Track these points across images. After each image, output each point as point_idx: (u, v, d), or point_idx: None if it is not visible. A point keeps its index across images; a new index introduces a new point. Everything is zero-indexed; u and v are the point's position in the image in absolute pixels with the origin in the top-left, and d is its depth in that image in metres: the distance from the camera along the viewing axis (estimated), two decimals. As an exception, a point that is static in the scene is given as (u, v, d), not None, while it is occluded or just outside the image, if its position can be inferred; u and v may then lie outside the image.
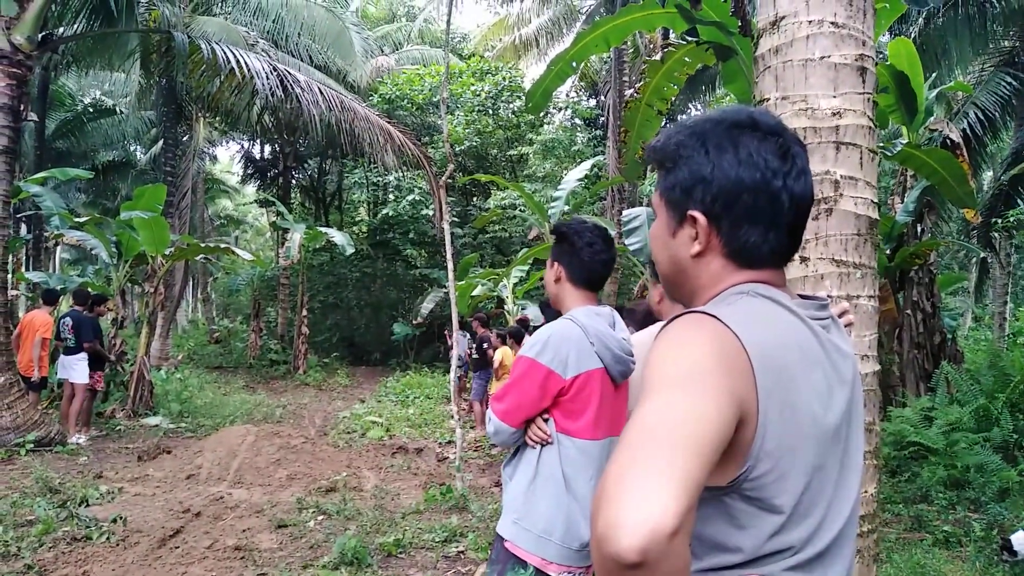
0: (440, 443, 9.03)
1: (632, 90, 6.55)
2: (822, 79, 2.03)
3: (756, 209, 1.04)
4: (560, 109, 21.38)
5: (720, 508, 0.97)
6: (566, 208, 11.61)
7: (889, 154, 6.38)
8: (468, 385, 11.51)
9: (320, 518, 5.49)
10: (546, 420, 2.28)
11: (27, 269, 16.98)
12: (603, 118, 19.06)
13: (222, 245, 12.85)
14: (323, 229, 16.79)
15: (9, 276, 8.70)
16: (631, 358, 2.32)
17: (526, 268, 12.44)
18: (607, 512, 0.80)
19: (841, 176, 1.98)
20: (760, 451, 0.94)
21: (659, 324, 2.60)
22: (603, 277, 2.41)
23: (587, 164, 12.50)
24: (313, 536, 5.06)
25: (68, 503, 5.58)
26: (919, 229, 7.96)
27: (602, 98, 19.87)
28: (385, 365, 19.65)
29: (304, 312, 16.97)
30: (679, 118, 18.68)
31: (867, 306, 2.04)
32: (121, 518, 5.22)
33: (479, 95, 18.93)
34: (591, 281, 2.38)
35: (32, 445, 7.54)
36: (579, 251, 2.34)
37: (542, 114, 19.32)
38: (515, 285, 12.17)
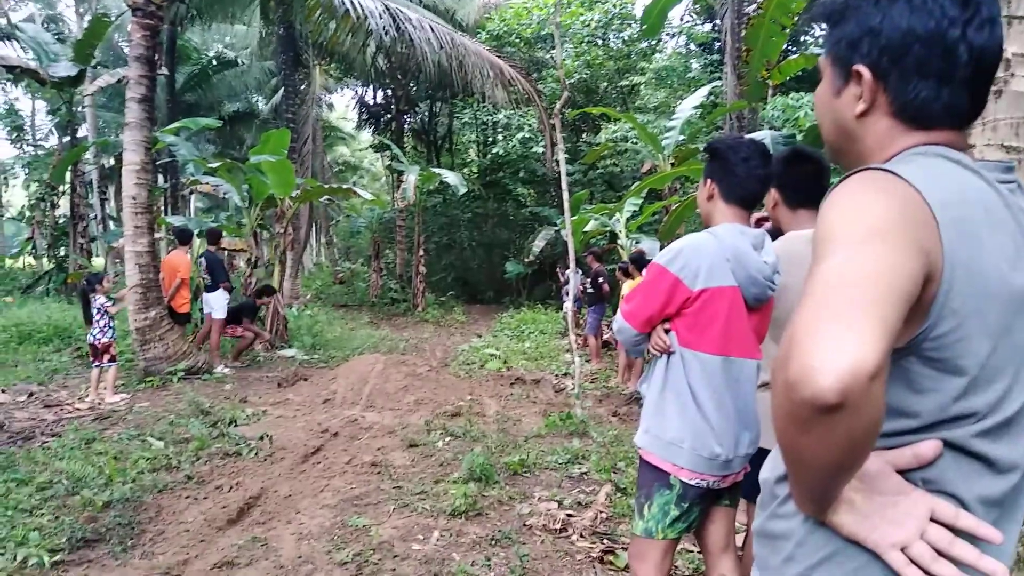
0: (556, 375, 9.16)
1: (755, 5, 6.19)
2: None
3: (928, 62, 0.98)
4: (673, 36, 20.47)
5: (898, 372, 0.94)
6: (681, 138, 11.22)
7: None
8: (582, 321, 11.57)
9: (447, 439, 5.75)
10: (668, 331, 2.28)
11: (166, 215, 18.30)
12: (720, 42, 18.10)
13: (344, 187, 13.28)
14: (436, 170, 17.05)
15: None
16: (769, 283, 2.26)
17: (639, 202, 12.18)
18: (800, 357, 0.80)
19: (1012, 54, 1.78)
20: (944, 308, 0.90)
21: (798, 232, 2.51)
22: (758, 194, 2.35)
23: (703, 91, 11.93)
24: (442, 455, 5.32)
25: (219, 423, 6.11)
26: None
27: (718, 22, 18.83)
28: (498, 303, 20.01)
29: (420, 252, 17.44)
30: (803, 39, 17.52)
31: (1039, 195, 1.87)
32: (267, 436, 5.65)
33: (588, 25, 18.40)
34: (745, 198, 2.32)
35: (183, 373, 8.25)
36: (734, 167, 2.28)
37: (654, 41, 18.56)
38: (628, 219, 11.97)
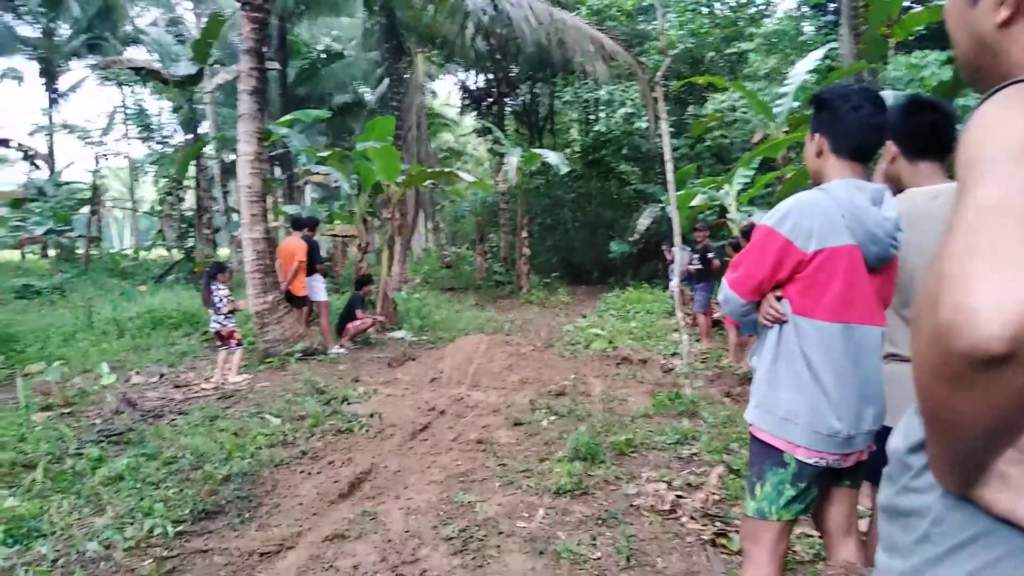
0: (664, 355, 8.91)
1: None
2: None
3: None
4: (783, -2, 19.43)
5: None
6: (795, 105, 10.62)
7: None
8: (689, 300, 11.20)
9: (552, 418, 5.70)
10: (779, 299, 2.10)
11: (284, 204, 19.18)
12: (835, 1, 17.01)
13: (446, 171, 13.45)
14: (538, 151, 16.95)
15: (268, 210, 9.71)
16: (892, 240, 2.04)
17: (750, 173, 11.63)
18: (954, 297, 0.65)
19: None
20: None
21: (920, 188, 2.27)
22: (874, 144, 2.12)
23: (818, 53, 11.23)
24: (547, 434, 5.27)
25: (332, 402, 6.34)
26: None
27: (833, -20, 17.69)
28: (603, 283, 19.75)
29: (524, 234, 17.42)
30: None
31: None
32: (377, 414, 5.81)
33: (692, -8, 17.74)
34: (859, 149, 2.10)
35: (299, 354, 8.57)
36: (845, 116, 2.07)
37: (763, 5, 17.65)
38: (739, 192, 11.45)
